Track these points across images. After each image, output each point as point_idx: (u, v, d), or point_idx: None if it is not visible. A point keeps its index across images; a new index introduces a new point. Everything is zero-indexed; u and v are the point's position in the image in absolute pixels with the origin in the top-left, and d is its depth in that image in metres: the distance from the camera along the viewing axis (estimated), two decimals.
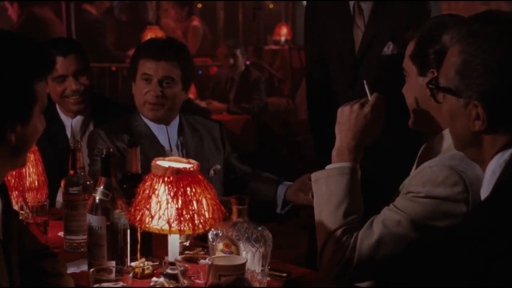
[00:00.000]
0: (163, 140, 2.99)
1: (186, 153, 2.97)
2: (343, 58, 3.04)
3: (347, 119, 2.11)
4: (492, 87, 1.57)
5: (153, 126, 2.98)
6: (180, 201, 1.93)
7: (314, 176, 2.15)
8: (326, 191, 2.09)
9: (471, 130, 1.64)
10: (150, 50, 2.94)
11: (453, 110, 1.67)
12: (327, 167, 2.13)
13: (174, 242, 2.02)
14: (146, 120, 2.98)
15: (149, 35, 7.62)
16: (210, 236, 2.04)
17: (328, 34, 3.10)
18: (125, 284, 1.82)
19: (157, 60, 2.90)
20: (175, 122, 3.02)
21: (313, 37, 3.20)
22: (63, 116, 3.26)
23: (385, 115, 2.15)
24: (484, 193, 1.64)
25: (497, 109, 1.59)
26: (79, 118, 3.26)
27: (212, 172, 3.00)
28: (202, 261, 1.87)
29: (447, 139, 2.07)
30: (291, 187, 2.89)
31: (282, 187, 2.91)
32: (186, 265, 1.85)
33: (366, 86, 2.17)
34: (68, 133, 3.26)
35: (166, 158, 2.04)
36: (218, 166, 3.03)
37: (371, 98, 2.14)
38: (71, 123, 3.26)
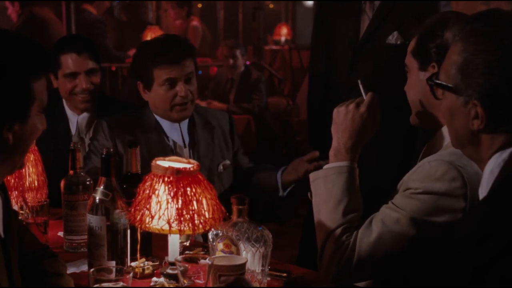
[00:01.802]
0: (176, 137, 2.99)
1: (197, 150, 2.99)
2: (346, 42, 3.05)
3: (343, 119, 2.12)
4: (492, 87, 1.57)
5: (166, 124, 2.98)
6: (180, 201, 1.93)
7: (312, 176, 2.15)
8: (324, 191, 2.09)
9: (469, 128, 1.64)
10: (163, 56, 2.89)
11: (452, 108, 1.67)
12: (325, 167, 2.13)
13: (174, 242, 2.02)
14: (157, 118, 2.98)
15: (149, 35, 7.62)
16: (210, 236, 2.04)
17: (336, 20, 3.11)
18: (125, 284, 1.81)
19: (176, 63, 2.88)
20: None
21: (320, 33, 3.21)
22: (69, 112, 3.27)
23: (382, 113, 2.15)
24: (482, 192, 1.64)
25: (497, 109, 1.59)
26: (85, 115, 3.27)
27: (221, 167, 3.02)
28: (202, 261, 1.87)
29: (447, 137, 2.08)
30: (287, 169, 2.91)
31: (280, 171, 2.94)
32: (186, 265, 1.85)
33: (360, 86, 2.19)
34: (73, 129, 3.26)
35: (166, 158, 2.04)
36: (228, 162, 3.05)
37: (366, 97, 2.14)
38: (77, 119, 3.27)
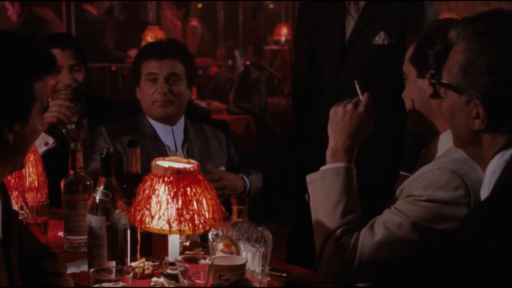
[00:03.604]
0: (168, 140, 3.01)
1: (191, 154, 2.98)
2: (332, 43, 3.04)
3: (341, 119, 2.12)
4: (494, 88, 1.58)
5: (159, 127, 3.01)
6: (180, 201, 1.93)
7: (309, 178, 2.15)
8: (321, 192, 2.09)
9: (470, 128, 1.64)
10: (151, 51, 3.00)
11: (454, 106, 1.67)
12: (322, 168, 2.13)
13: (174, 242, 2.02)
14: (152, 122, 3.01)
15: (149, 35, 7.63)
16: (210, 236, 2.04)
17: (321, 21, 3.11)
18: (125, 284, 1.81)
19: (160, 58, 2.95)
20: (181, 122, 3.05)
21: (304, 33, 3.20)
22: None
23: (376, 113, 2.16)
24: (484, 193, 1.64)
25: (498, 109, 1.59)
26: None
27: None
28: (202, 261, 1.87)
29: (443, 143, 2.08)
30: None
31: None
32: (186, 265, 1.85)
33: (357, 86, 2.19)
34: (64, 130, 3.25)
35: (166, 158, 2.04)
36: (223, 168, 3.04)
37: (363, 97, 2.15)
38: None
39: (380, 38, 2.94)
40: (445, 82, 1.68)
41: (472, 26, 1.64)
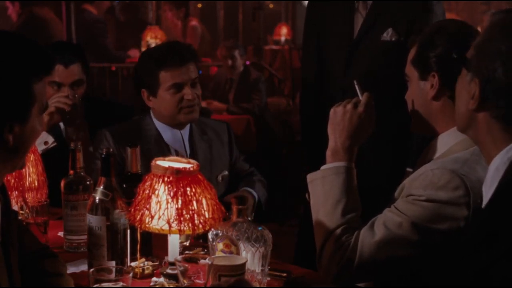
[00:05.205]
0: (178, 146, 2.98)
1: (195, 158, 2.95)
2: (341, 42, 3.05)
3: (341, 119, 2.12)
4: (495, 74, 1.58)
5: (167, 132, 2.97)
6: (180, 201, 1.93)
7: (309, 177, 2.15)
8: (322, 191, 2.09)
9: (467, 107, 1.65)
10: (168, 60, 2.88)
11: (461, 84, 1.70)
12: (322, 167, 2.13)
13: (174, 242, 2.02)
14: (159, 126, 2.97)
15: (149, 35, 7.64)
16: (210, 236, 2.04)
17: (329, 20, 3.11)
18: (125, 284, 1.81)
19: (182, 66, 2.88)
20: (187, 126, 3.02)
21: (312, 33, 3.21)
22: None
23: (378, 110, 2.16)
24: (486, 189, 1.63)
25: (491, 94, 1.60)
26: None
27: (220, 178, 3.01)
28: (202, 261, 1.87)
29: (443, 142, 2.08)
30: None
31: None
32: (186, 265, 1.85)
33: (356, 86, 2.19)
34: (63, 132, 3.25)
35: (166, 158, 2.04)
36: (226, 172, 3.04)
37: (362, 97, 2.15)
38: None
39: (387, 35, 2.95)
40: (463, 56, 1.68)
41: (508, 15, 1.65)
